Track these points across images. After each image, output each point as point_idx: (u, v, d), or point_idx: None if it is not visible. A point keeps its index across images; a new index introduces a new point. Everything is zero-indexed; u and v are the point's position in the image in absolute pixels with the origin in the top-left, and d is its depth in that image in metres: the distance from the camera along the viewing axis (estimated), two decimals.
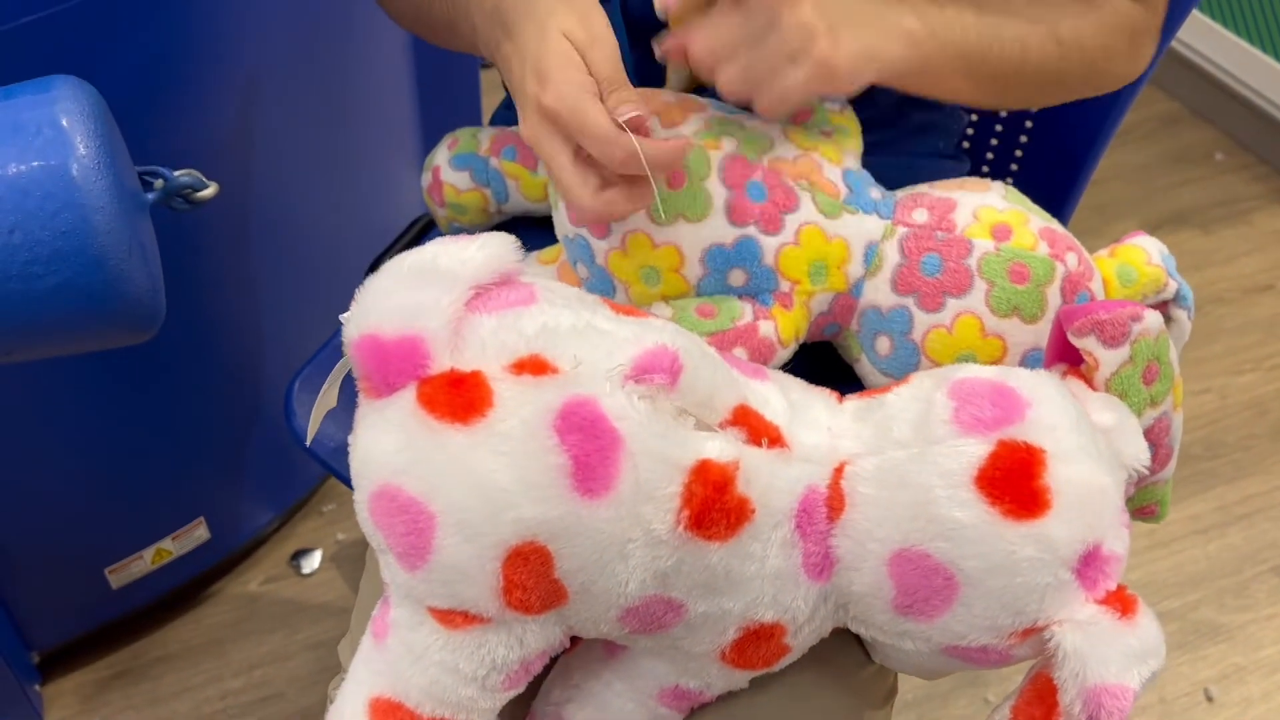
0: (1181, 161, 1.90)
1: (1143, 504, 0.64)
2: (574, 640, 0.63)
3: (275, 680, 1.24)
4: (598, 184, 0.58)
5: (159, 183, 0.65)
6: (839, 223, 0.65)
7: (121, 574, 1.18)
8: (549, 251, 0.72)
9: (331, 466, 0.88)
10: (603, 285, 0.67)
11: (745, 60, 0.60)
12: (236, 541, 1.29)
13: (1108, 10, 0.71)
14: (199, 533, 1.22)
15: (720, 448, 0.53)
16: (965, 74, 0.66)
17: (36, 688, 1.20)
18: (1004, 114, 0.94)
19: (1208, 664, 1.26)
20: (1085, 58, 0.70)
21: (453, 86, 1.28)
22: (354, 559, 1.34)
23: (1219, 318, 1.64)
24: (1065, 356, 0.60)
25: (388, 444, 0.52)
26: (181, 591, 1.28)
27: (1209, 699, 1.23)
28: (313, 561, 1.34)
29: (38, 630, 1.18)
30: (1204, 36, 1.93)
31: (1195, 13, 1.92)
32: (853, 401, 0.59)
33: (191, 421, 1.15)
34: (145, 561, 1.19)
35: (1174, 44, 1.98)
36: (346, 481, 0.62)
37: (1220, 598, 1.32)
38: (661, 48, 0.64)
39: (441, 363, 0.52)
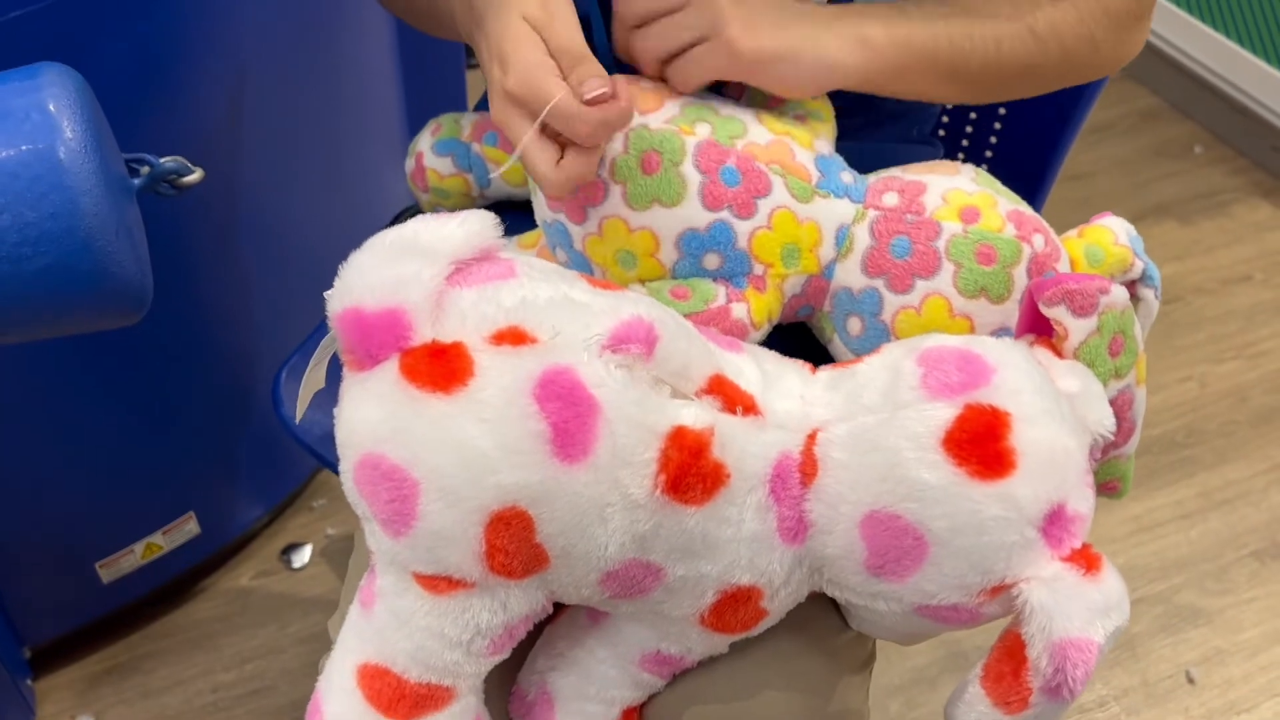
0: (1162, 155, 1.91)
1: (1106, 479, 0.65)
2: (558, 609, 0.64)
3: (266, 673, 1.25)
4: (557, 157, 0.60)
5: (145, 169, 0.66)
6: (811, 206, 0.66)
7: (112, 568, 1.18)
8: (529, 236, 0.73)
9: (320, 454, 0.88)
10: (580, 269, 0.67)
11: (658, 29, 0.64)
12: (227, 536, 1.29)
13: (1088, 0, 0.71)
14: (189, 527, 1.22)
15: (695, 415, 0.54)
16: (938, 76, 0.68)
17: (29, 682, 1.20)
18: None
19: (1189, 647, 1.27)
20: (1065, 49, 0.71)
21: (439, 80, 1.29)
22: (344, 553, 1.35)
23: (1200, 307, 1.66)
24: (1035, 328, 0.61)
25: (371, 414, 0.53)
26: (172, 586, 1.28)
27: (1190, 681, 1.24)
28: (303, 556, 1.35)
29: (30, 625, 1.18)
30: (1183, 32, 1.95)
31: (1175, 9, 1.95)
32: (826, 372, 0.60)
33: (182, 416, 1.16)
34: (136, 556, 1.19)
35: (1154, 40, 2.00)
36: (334, 468, 0.63)
37: (1201, 582, 1.34)
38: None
39: (423, 334, 0.53)
